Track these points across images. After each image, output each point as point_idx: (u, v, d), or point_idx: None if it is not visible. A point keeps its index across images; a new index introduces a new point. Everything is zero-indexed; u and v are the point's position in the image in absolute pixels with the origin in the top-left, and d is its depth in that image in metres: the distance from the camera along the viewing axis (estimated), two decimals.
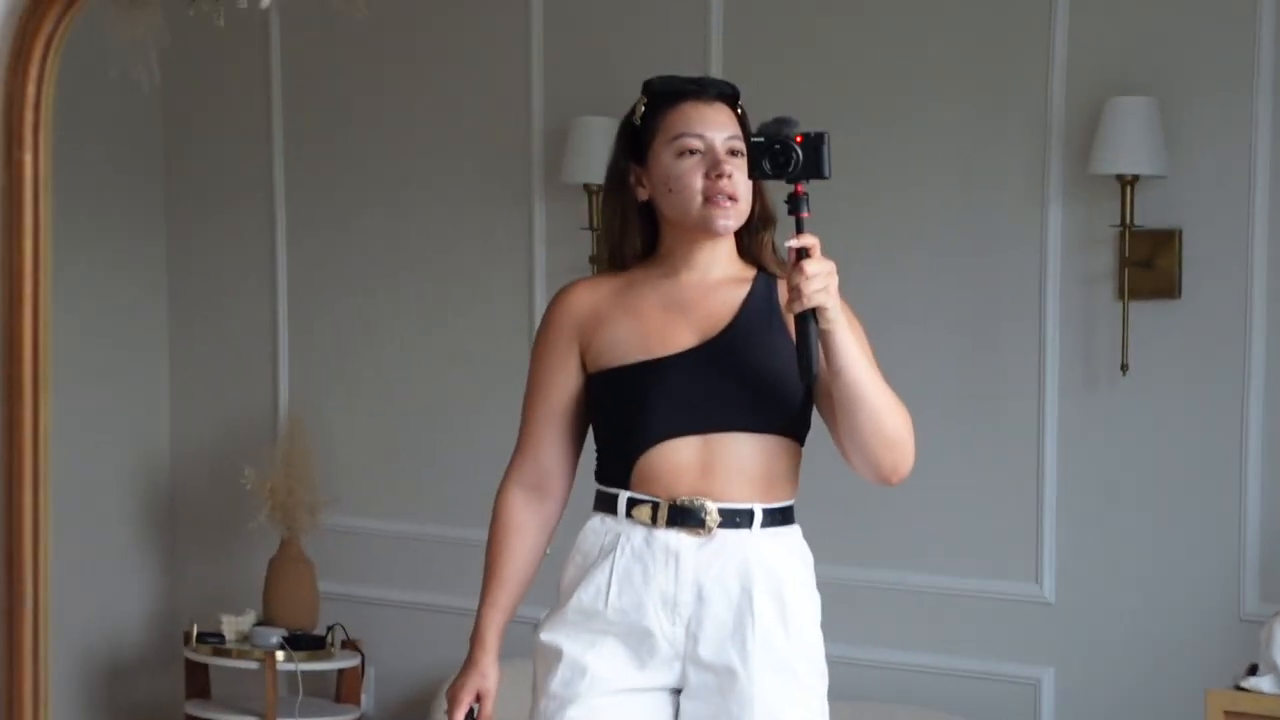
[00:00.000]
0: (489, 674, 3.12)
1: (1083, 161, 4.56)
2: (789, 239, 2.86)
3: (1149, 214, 4.51)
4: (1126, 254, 4.53)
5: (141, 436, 6.21)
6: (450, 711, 3.12)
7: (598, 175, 5.05)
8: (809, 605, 3.05)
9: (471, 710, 3.14)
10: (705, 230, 3.03)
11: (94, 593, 6.06)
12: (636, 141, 3.09)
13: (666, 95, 3.08)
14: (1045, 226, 4.67)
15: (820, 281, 2.83)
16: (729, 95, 3.10)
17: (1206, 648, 4.40)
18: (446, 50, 5.58)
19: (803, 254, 2.84)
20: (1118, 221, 4.51)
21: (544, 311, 3.19)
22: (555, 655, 3.05)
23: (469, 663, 3.14)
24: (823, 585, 3.11)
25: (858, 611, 4.79)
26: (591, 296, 3.11)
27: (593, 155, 5.14)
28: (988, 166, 4.77)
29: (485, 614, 3.14)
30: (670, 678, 3.03)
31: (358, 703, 5.67)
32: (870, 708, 4.73)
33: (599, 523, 3.07)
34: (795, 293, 2.84)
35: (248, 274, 6.08)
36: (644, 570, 3.00)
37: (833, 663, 3.12)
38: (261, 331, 6.05)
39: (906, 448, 3.01)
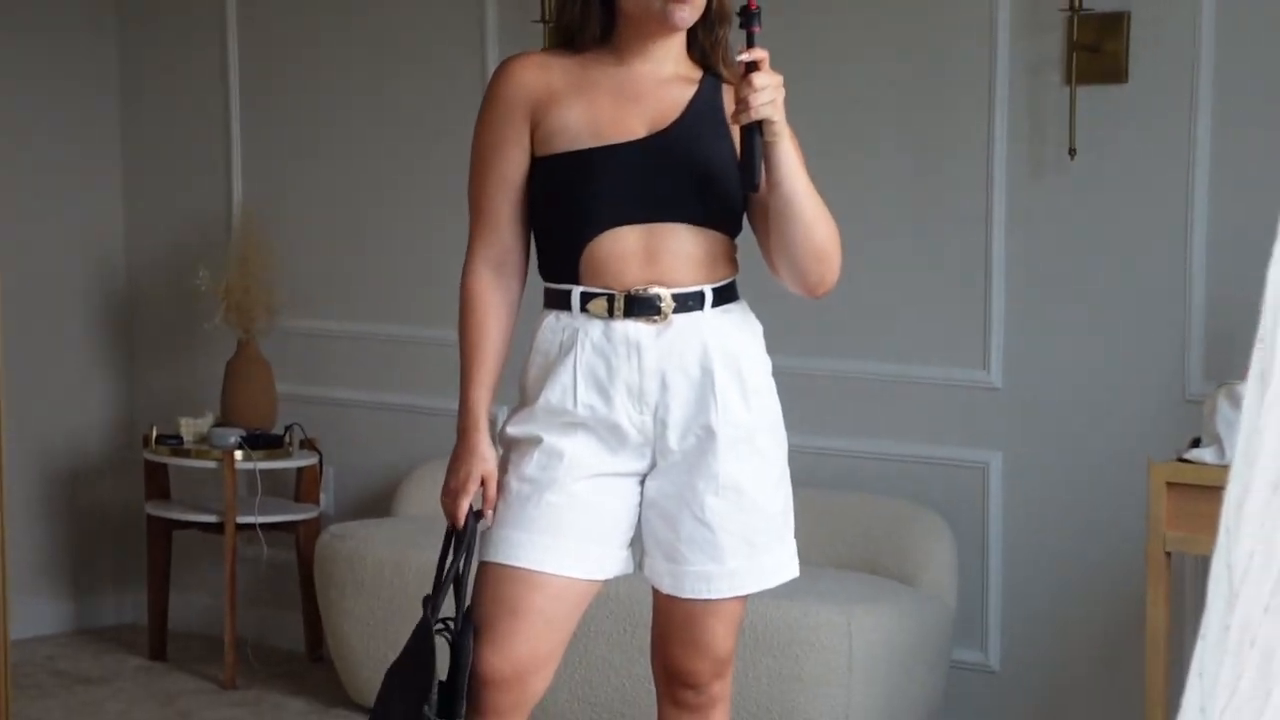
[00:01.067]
0: (488, 455, 3.07)
1: None
2: (739, 52, 2.91)
3: None
4: (1075, 38, 4.51)
5: (95, 241, 6.21)
6: (453, 504, 3.06)
7: None
8: (764, 374, 3.12)
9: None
10: (663, 23, 3.04)
11: (53, 398, 6.10)
12: None
13: None
14: (994, 11, 4.65)
15: (768, 94, 2.91)
16: None
17: (1152, 428, 4.44)
18: None
19: (752, 67, 2.90)
20: (1066, 5, 4.50)
21: (490, 82, 3.16)
22: (532, 442, 3.06)
23: (465, 449, 3.08)
24: (776, 376, 3.16)
25: (811, 400, 4.84)
26: (544, 74, 3.10)
27: None
28: None
29: (473, 394, 3.10)
30: (641, 464, 3.08)
31: (316, 501, 5.74)
32: (823, 494, 4.79)
33: (554, 320, 3.09)
34: (743, 104, 2.91)
35: (199, 70, 6.05)
36: (607, 364, 3.04)
37: (789, 451, 3.17)
38: (214, 129, 6.03)
39: (834, 261, 3.07)
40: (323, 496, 5.78)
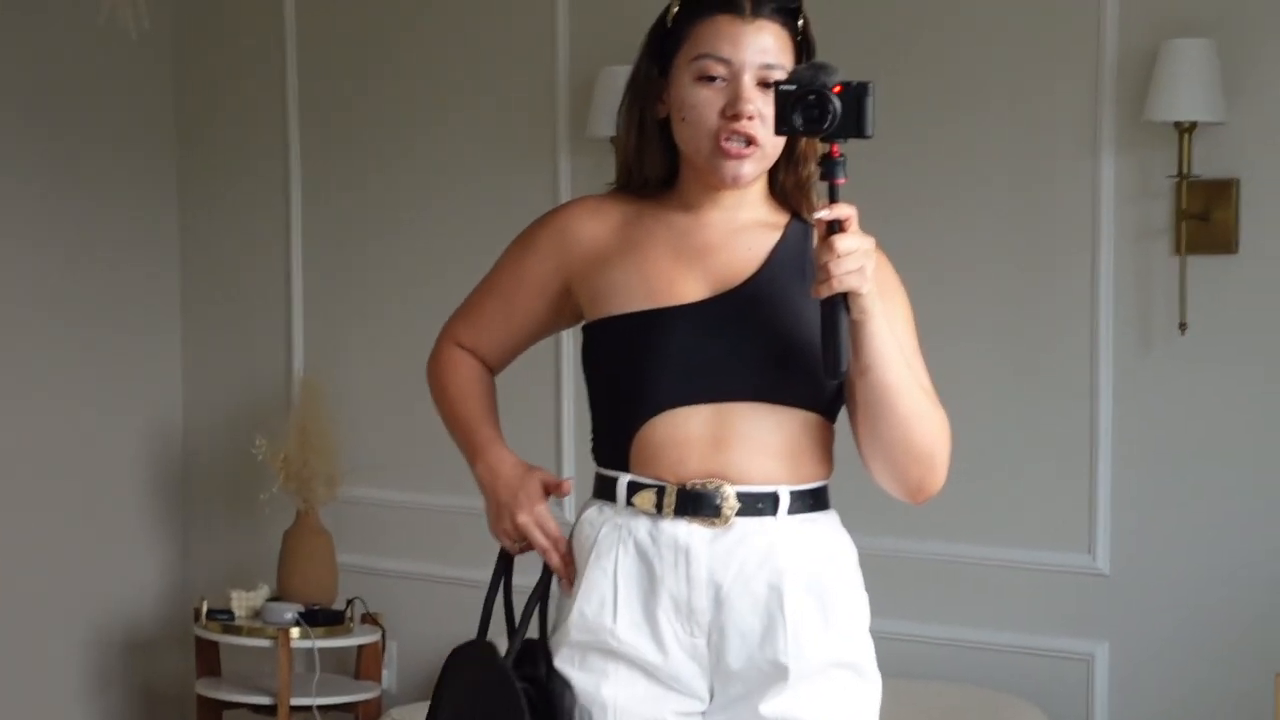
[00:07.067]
0: (528, 466, 2.72)
1: (1137, 108, 4.40)
2: (819, 208, 2.48)
3: (1206, 163, 4.35)
4: (1183, 206, 4.35)
5: (153, 407, 6.13)
6: (511, 523, 2.69)
7: None
8: (855, 603, 2.63)
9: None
10: (714, 177, 2.59)
11: (106, 568, 6.00)
12: (663, 47, 2.65)
13: (701, 1, 2.62)
14: (1098, 177, 4.50)
15: (854, 261, 2.41)
16: (780, 10, 2.60)
17: (1273, 622, 4.26)
18: (467, 1, 5.47)
19: (834, 227, 2.42)
20: (1174, 171, 4.35)
21: (553, 213, 2.78)
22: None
23: (497, 472, 2.74)
24: (863, 558, 2.79)
25: (902, 585, 4.64)
26: (596, 224, 2.68)
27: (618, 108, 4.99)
28: (1038, 115, 4.61)
29: (480, 431, 2.81)
30: (697, 703, 2.62)
31: (378, 679, 5.53)
32: (917, 685, 4.59)
33: (596, 513, 2.64)
34: (823, 273, 2.41)
35: (261, 237, 5.98)
36: (649, 572, 2.57)
37: (876, 638, 2.75)
38: (275, 297, 5.95)
39: (936, 463, 2.59)
40: (385, 674, 5.58)
